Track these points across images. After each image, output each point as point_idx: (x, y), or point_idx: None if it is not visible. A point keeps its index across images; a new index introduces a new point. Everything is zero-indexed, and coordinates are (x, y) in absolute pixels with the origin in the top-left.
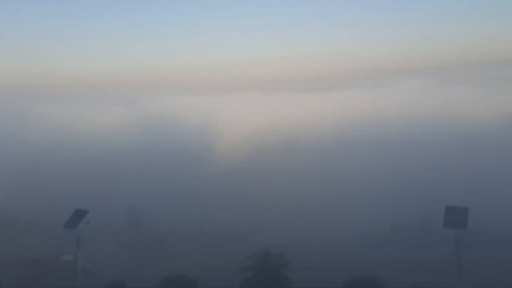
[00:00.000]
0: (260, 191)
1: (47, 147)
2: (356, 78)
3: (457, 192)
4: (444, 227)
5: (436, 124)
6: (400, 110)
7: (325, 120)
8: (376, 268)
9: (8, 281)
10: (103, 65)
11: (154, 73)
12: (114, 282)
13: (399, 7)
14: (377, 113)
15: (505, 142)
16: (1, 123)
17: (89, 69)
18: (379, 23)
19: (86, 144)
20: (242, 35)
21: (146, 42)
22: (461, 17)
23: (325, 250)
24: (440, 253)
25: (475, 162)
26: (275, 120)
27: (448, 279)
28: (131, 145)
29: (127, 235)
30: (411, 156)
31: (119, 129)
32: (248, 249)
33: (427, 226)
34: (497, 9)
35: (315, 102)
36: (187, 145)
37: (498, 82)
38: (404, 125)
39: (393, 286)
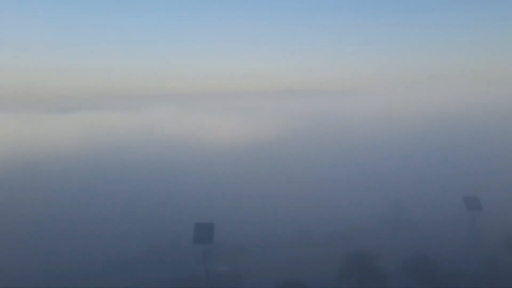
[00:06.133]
0: None
1: None
2: (109, 99)
3: (204, 208)
4: (193, 243)
5: (185, 146)
6: (150, 133)
7: (69, 142)
8: None
9: None
10: None
11: None
12: None
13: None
14: (126, 136)
15: (251, 162)
16: None
17: None
18: (132, 49)
19: None
20: None
21: None
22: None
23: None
24: (191, 270)
25: (217, 180)
26: (14, 143)
27: None
28: None
29: None
30: (156, 178)
31: None
32: None
33: (178, 244)
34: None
35: (59, 123)
36: None
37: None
38: (155, 147)
39: None
